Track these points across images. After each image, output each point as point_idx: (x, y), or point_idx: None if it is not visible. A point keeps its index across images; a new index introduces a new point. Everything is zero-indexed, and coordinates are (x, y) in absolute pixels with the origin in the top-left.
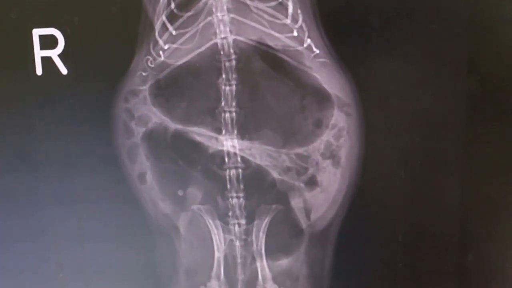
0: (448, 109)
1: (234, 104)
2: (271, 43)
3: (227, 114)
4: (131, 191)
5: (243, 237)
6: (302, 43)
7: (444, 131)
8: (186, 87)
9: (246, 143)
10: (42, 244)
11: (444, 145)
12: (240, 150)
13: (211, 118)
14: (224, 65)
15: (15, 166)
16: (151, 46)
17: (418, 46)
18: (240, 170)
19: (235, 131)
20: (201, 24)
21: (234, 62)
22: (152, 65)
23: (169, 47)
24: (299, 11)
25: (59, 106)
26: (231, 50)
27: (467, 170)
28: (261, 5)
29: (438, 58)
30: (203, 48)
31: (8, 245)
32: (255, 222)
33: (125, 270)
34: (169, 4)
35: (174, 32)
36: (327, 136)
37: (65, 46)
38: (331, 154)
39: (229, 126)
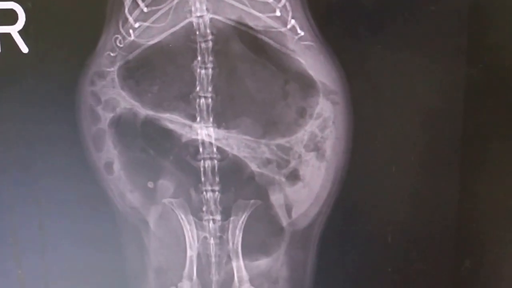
0: (445, 100)
1: (210, 89)
2: (251, 23)
3: (202, 100)
4: (96, 182)
5: (218, 234)
6: (285, 24)
7: (441, 124)
8: (158, 70)
9: (222, 132)
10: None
11: (440, 139)
12: (216, 139)
13: (185, 104)
14: (200, 46)
15: None
16: (120, 24)
17: (414, 30)
18: (215, 162)
19: (211, 119)
20: (175, 1)
21: (210, 43)
22: (121, 45)
23: (140, 26)
24: None
25: (19, 88)
26: (208, 30)
27: (465, 167)
28: None
29: (435, 44)
30: (177, 27)
31: None
32: (231, 219)
33: (89, 269)
34: None
35: (145, 9)
36: (311, 126)
37: (25, 22)
38: (315, 146)
39: (205, 113)
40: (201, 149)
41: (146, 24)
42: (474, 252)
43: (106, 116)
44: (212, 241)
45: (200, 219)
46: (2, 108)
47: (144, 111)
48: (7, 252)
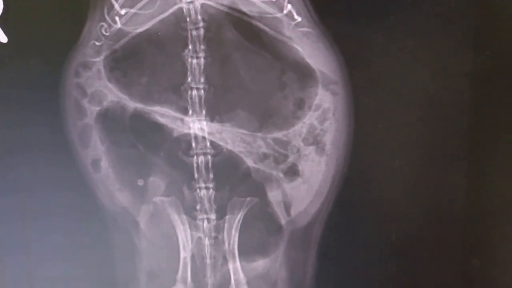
0: (450, 90)
1: (202, 80)
2: (245, 9)
3: (194, 92)
4: (83, 181)
5: (213, 234)
6: (281, 9)
7: (446, 115)
8: (147, 60)
9: (216, 126)
10: None
11: (446, 132)
12: (210, 133)
13: (176, 96)
14: (191, 34)
15: None
16: (105, 10)
17: (419, 15)
18: (209, 157)
19: (204, 112)
20: None
21: (202, 31)
22: (107, 33)
23: (127, 12)
24: None
25: None
26: (199, 17)
27: (472, 160)
28: None
29: (440, 30)
30: (166, 14)
31: None
32: (227, 217)
33: (77, 273)
34: None
35: None
36: (310, 118)
37: (4, 9)
38: (314, 140)
39: (197, 105)
40: (193, 144)
41: (133, 10)
42: (483, 250)
43: (92, 110)
44: (206, 241)
45: (194, 218)
46: None
47: (132, 104)
48: None
